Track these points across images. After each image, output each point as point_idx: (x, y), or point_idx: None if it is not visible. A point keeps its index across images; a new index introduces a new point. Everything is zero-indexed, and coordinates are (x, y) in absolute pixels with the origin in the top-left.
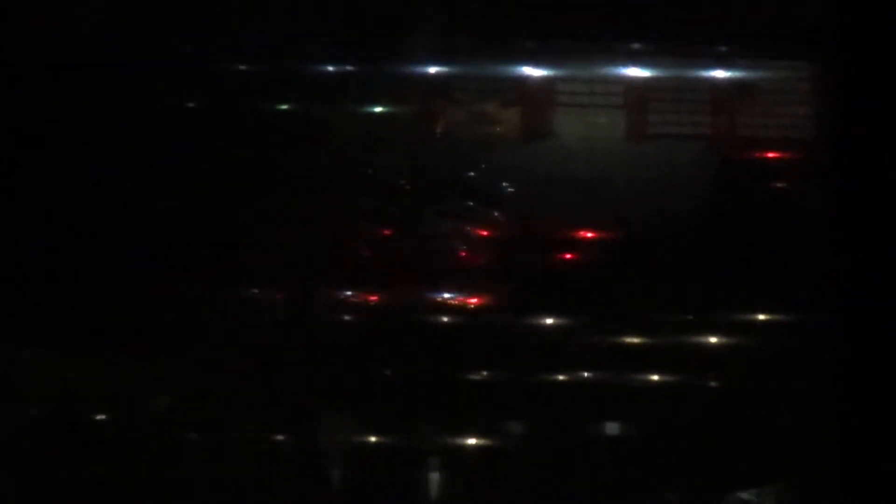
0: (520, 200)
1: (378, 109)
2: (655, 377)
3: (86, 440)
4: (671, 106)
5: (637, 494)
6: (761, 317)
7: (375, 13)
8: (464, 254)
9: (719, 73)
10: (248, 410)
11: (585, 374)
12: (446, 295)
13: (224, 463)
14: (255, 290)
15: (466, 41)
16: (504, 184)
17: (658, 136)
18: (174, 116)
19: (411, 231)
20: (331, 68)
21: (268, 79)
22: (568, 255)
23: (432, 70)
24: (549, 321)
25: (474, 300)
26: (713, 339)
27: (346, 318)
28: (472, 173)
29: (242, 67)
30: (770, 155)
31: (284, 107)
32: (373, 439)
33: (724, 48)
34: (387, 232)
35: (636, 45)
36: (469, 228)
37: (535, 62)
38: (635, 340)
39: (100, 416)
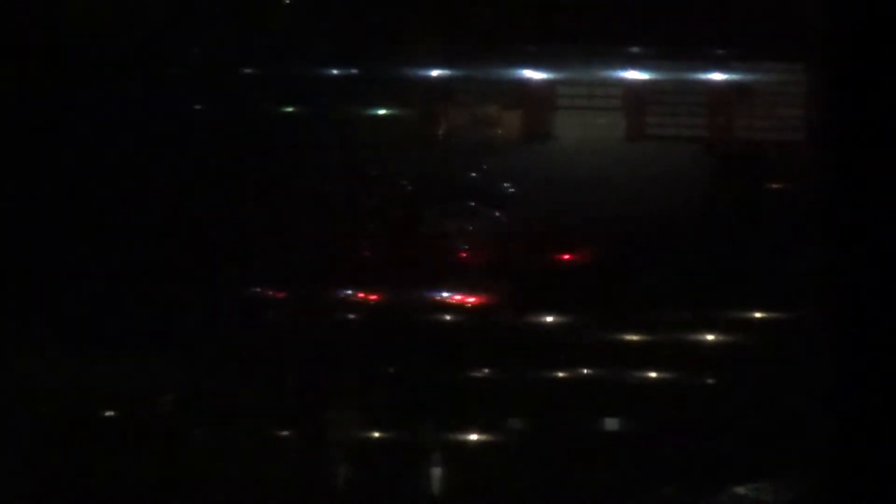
0: (521, 201)
1: (382, 112)
2: (654, 374)
3: (90, 438)
4: (669, 108)
5: (637, 489)
6: (758, 314)
7: (380, 18)
8: (466, 253)
9: (716, 76)
10: (254, 408)
11: (586, 372)
12: (449, 293)
13: (228, 460)
14: (261, 289)
15: (468, 45)
16: (505, 184)
17: (656, 137)
18: (182, 119)
19: (414, 230)
20: (336, 72)
21: (275, 82)
22: (568, 254)
23: (435, 73)
24: (550, 319)
25: (476, 298)
26: (712, 337)
27: (351, 316)
28: (474, 174)
29: (249, 71)
30: (766, 155)
31: (290, 109)
32: (376, 435)
33: (720, 51)
34: (390, 231)
35: (634, 49)
36: (471, 228)
37: (536, 66)
38: (635, 338)
39: (105, 414)
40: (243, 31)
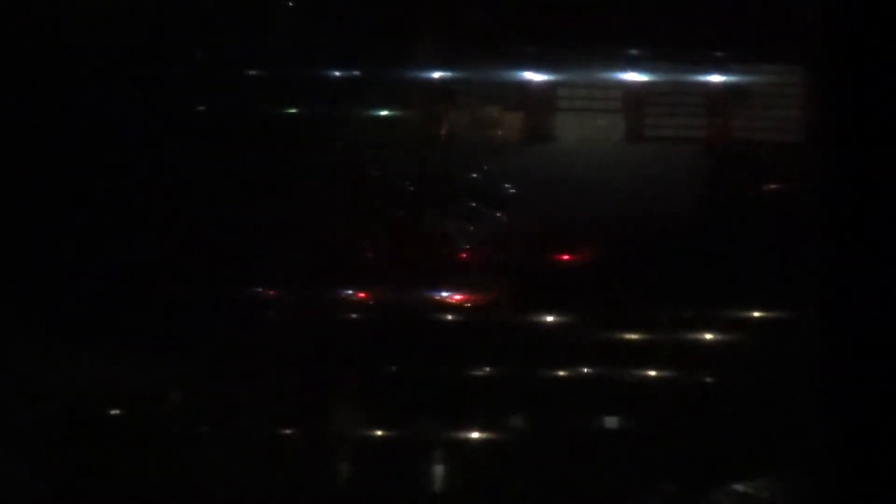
0: (521, 201)
1: (385, 113)
2: (653, 373)
3: (95, 436)
4: (668, 109)
5: (636, 486)
6: (756, 313)
7: (382, 20)
8: (467, 252)
9: (714, 78)
10: (256, 407)
11: (586, 370)
12: (450, 292)
13: (232, 458)
14: (265, 289)
15: (470, 48)
16: (506, 185)
17: (655, 138)
18: (188, 120)
19: (416, 230)
20: (340, 74)
21: (280, 83)
22: (568, 254)
23: (437, 76)
24: (550, 318)
25: (477, 297)
26: (710, 336)
27: (354, 315)
28: (476, 175)
29: (255, 73)
30: (764, 156)
31: (295, 110)
32: (376, 434)
33: (719, 53)
34: (393, 231)
35: (634, 52)
36: (472, 228)
37: (537, 68)
38: (635, 337)
39: (110, 413)
40: (246, 33)
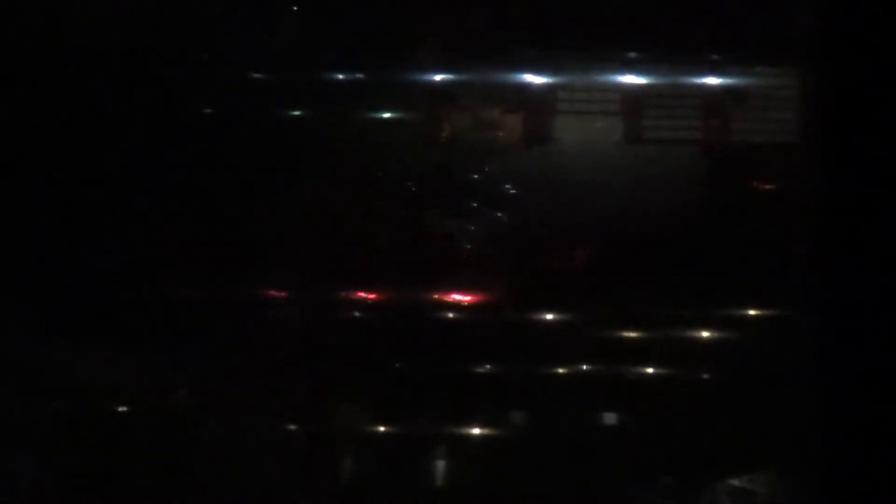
0: (522, 202)
1: (386, 115)
2: (652, 370)
3: (96, 436)
4: (666, 111)
5: (634, 481)
6: (754, 312)
7: (385, 24)
8: (468, 253)
9: (711, 80)
10: (260, 405)
11: (585, 368)
12: (451, 292)
13: (236, 455)
14: (267, 288)
15: (471, 51)
16: (507, 186)
17: (654, 140)
18: (193, 122)
19: (418, 230)
20: (342, 76)
21: (283, 86)
22: (568, 254)
23: (438, 78)
24: (550, 317)
25: (478, 297)
26: (707, 334)
27: (357, 314)
28: (476, 176)
29: (258, 75)
30: (762, 158)
31: (297, 112)
32: (381, 430)
33: (716, 56)
34: (394, 231)
35: (632, 54)
36: (473, 228)
37: (537, 70)
38: (633, 335)
39: (116, 410)
40: (250, 36)
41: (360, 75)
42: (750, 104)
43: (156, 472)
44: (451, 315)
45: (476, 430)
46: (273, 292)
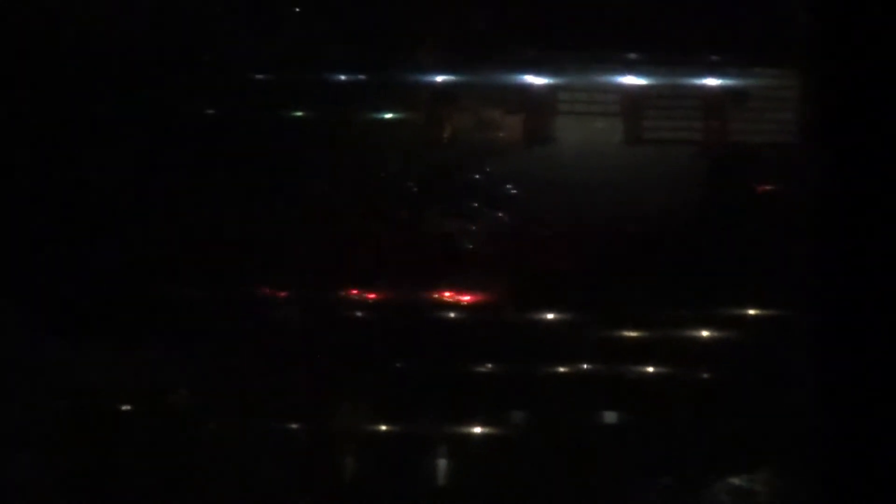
0: (522, 202)
1: (387, 116)
2: (652, 370)
3: (100, 435)
4: (666, 112)
5: (634, 481)
6: (753, 312)
7: (386, 25)
8: (468, 253)
9: (711, 81)
10: (261, 404)
11: (585, 367)
12: (451, 291)
13: (236, 455)
14: (268, 288)
15: (472, 51)
16: (507, 186)
17: (653, 141)
18: (194, 122)
19: (419, 230)
20: (343, 77)
21: (285, 87)
22: (568, 254)
23: (439, 79)
24: (550, 317)
25: (478, 297)
26: (707, 334)
27: (357, 314)
28: (477, 176)
29: (259, 76)
30: (761, 158)
31: (299, 113)
32: (382, 430)
33: (716, 57)
34: (395, 231)
35: (632, 55)
36: (474, 228)
37: (537, 71)
38: (633, 334)
39: (116, 410)
40: (253, 37)
41: (360, 76)
42: (750, 105)
43: (156, 472)
44: (451, 315)
45: (476, 430)
46: (273, 292)
